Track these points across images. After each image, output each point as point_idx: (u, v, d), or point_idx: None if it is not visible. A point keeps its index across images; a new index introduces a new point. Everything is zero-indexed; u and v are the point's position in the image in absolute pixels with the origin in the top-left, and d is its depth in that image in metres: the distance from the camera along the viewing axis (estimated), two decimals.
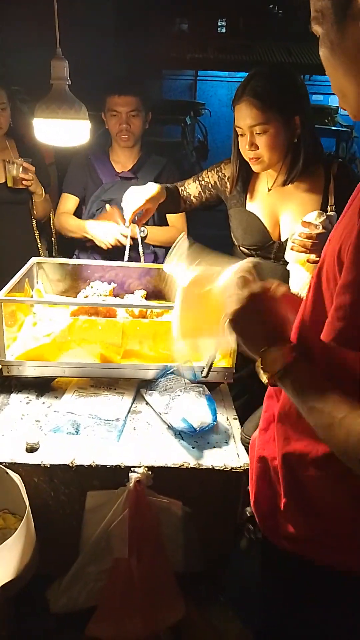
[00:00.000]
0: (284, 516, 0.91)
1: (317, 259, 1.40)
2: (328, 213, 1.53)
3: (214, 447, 1.36)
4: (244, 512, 1.28)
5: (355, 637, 0.93)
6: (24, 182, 2.13)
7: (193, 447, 1.35)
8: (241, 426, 1.46)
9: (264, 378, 0.85)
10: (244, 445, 1.37)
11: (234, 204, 1.81)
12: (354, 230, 0.68)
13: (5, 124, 2.13)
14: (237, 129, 1.62)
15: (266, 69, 1.60)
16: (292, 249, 1.50)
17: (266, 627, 1.07)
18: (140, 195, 1.73)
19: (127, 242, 1.91)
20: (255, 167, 1.66)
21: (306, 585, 0.92)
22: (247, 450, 1.34)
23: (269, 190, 1.73)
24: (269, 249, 1.75)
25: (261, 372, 0.85)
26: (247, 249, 1.80)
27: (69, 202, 2.31)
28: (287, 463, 0.89)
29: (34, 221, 2.31)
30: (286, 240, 1.66)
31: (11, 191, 2.16)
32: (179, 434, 1.39)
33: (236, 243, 1.86)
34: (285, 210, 1.72)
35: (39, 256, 2.21)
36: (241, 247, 1.83)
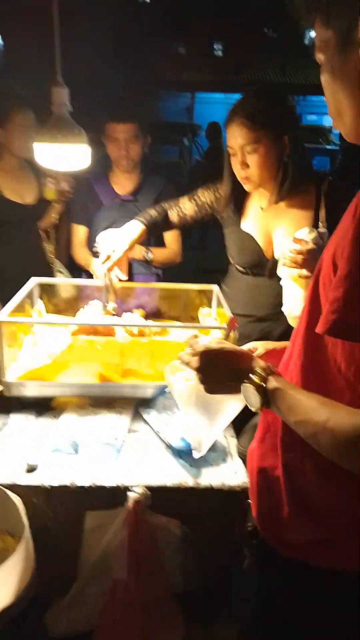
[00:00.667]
0: (288, 524, 0.93)
1: (309, 274, 1.47)
2: (319, 229, 1.57)
3: (212, 465, 1.36)
4: (244, 528, 1.28)
5: (353, 632, 0.95)
6: (66, 194, 2.22)
7: (191, 466, 1.35)
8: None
9: (253, 408, 0.92)
10: (240, 457, 1.38)
11: (229, 224, 1.86)
12: (349, 231, 0.73)
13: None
14: (229, 149, 1.68)
15: (256, 90, 1.65)
16: (283, 265, 1.53)
17: (268, 634, 1.08)
18: (121, 241, 1.76)
19: (104, 292, 1.83)
20: (246, 187, 1.71)
21: (310, 590, 0.94)
22: (244, 462, 1.35)
23: (262, 209, 1.77)
24: (263, 267, 1.79)
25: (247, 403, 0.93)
26: (242, 267, 1.83)
27: (80, 232, 2.35)
28: (288, 471, 0.91)
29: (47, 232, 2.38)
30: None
31: (33, 208, 2.24)
32: (178, 453, 1.39)
33: (232, 262, 1.89)
34: (278, 228, 1.76)
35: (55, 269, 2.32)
36: (236, 266, 1.86)
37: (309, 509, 0.90)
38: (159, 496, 1.27)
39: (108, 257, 1.75)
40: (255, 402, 0.90)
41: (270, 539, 0.97)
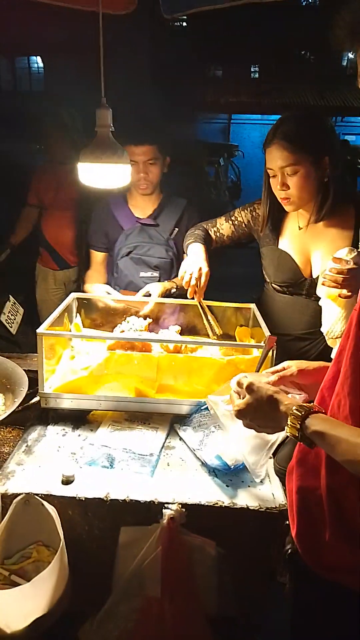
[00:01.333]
0: (329, 547, 0.91)
1: (349, 294, 1.46)
2: (359, 249, 1.55)
3: (249, 486, 1.34)
4: (282, 551, 1.25)
5: None
6: None
7: (227, 486, 1.33)
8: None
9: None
10: (278, 476, 1.35)
11: (266, 243, 1.86)
12: None
13: None
14: (268, 170, 1.69)
15: (295, 113, 1.68)
16: (323, 284, 1.51)
17: None
18: (199, 265, 1.76)
19: (205, 320, 1.85)
20: (287, 207, 1.72)
21: (349, 614, 0.92)
22: (282, 481, 1.32)
23: (300, 229, 1.77)
24: (300, 286, 1.78)
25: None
26: (279, 286, 1.83)
27: (96, 258, 2.34)
28: (332, 493, 0.90)
29: None
30: (317, 277, 1.68)
31: None
32: (213, 472, 1.38)
33: (268, 280, 1.89)
34: (317, 248, 1.76)
35: None
36: (273, 284, 1.85)
37: (353, 532, 0.88)
38: (194, 515, 1.25)
39: (194, 287, 1.75)
40: (298, 439, 0.92)
41: (309, 561, 0.96)
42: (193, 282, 1.73)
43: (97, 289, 2.13)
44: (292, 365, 1.18)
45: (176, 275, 2.19)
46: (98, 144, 1.60)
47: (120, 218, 2.26)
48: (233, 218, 1.93)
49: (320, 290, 1.58)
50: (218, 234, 1.95)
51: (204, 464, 1.39)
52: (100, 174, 1.61)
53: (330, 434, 0.85)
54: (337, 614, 0.93)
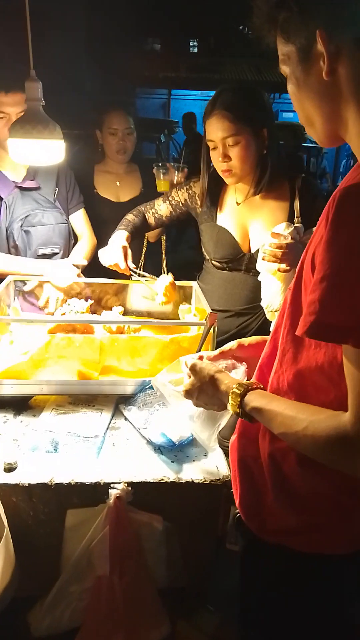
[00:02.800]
0: (271, 511, 0.96)
1: (288, 268, 1.52)
2: (295, 224, 1.59)
3: (194, 461, 1.37)
4: (229, 520, 1.29)
5: (336, 614, 0.99)
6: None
7: (172, 461, 1.35)
8: None
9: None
10: (222, 448, 1.39)
11: (205, 219, 1.86)
12: (323, 235, 0.74)
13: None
14: (208, 142, 1.68)
15: (233, 85, 1.67)
16: (263, 259, 1.54)
17: (250, 619, 1.10)
18: (115, 251, 1.75)
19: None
20: (228, 180, 1.72)
21: (291, 573, 0.97)
22: (225, 453, 1.35)
23: (238, 204, 1.79)
24: (239, 261, 1.80)
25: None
26: (219, 262, 1.84)
27: None
28: (272, 460, 0.94)
29: None
30: (256, 251, 1.71)
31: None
32: (158, 449, 1.39)
33: (207, 257, 1.90)
34: (254, 223, 1.79)
35: None
36: (213, 261, 1.87)
37: (293, 496, 0.92)
38: (140, 492, 1.27)
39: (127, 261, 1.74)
40: (238, 415, 0.97)
41: (253, 527, 0.99)
42: (122, 266, 1.73)
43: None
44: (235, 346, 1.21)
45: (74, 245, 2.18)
46: (28, 118, 1.53)
47: None
48: (170, 198, 1.93)
49: (260, 265, 1.61)
50: (156, 214, 1.94)
51: (149, 442, 1.41)
52: (31, 150, 1.55)
53: (266, 409, 0.89)
54: (283, 574, 0.98)
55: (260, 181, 1.70)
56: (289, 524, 0.94)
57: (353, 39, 0.78)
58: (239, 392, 0.95)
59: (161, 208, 1.94)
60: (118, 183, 2.45)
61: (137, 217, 1.93)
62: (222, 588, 1.52)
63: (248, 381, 0.99)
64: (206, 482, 1.29)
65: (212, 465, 1.35)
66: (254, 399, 0.93)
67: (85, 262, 2.05)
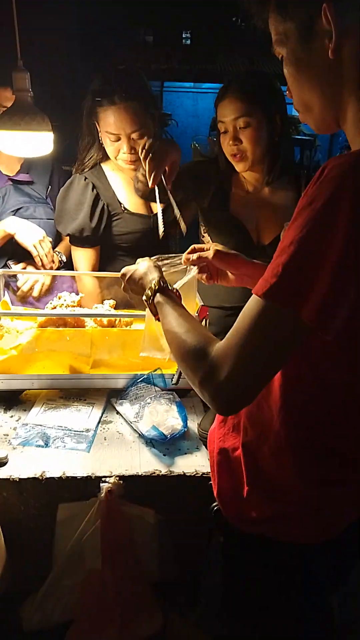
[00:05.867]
0: (247, 502, 0.97)
1: None
2: None
3: (185, 454, 1.36)
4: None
5: (313, 601, 1.02)
6: None
7: (164, 455, 1.35)
8: None
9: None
10: (201, 440, 1.39)
11: (214, 207, 1.80)
12: (299, 206, 0.74)
13: None
14: (219, 125, 1.65)
15: (247, 72, 1.66)
16: None
17: (233, 608, 1.11)
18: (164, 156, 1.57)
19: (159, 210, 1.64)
20: (238, 166, 1.68)
21: (268, 562, 0.99)
22: (204, 444, 1.35)
23: (249, 193, 1.75)
24: (249, 253, 1.76)
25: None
26: None
27: None
28: (246, 451, 0.95)
29: None
30: (268, 244, 1.69)
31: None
32: (150, 442, 1.39)
33: None
34: (263, 215, 1.75)
35: None
36: None
37: (266, 486, 0.94)
38: (132, 486, 1.26)
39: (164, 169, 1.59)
40: (147, 312, 1.14)
41: (231, 517, 1.00)
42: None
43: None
44: (210, 247, 1.25)
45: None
46: (16, 109, 1.51)
47: None
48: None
49: None
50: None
51: (141, 436, 1.40)
52: (19, 142, 1.52)
53: (168, 307, 1.04)
54: (262, 564, 0.99)
55: (271, 169, 1.66)
56: (264, 514, 0.95)
57: None
58: (154, 288, 1.10)
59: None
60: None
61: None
62: (215, 581, 1.52)
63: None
64: (197, 475, 1.29)
65: (203, 458, 1.35)
66: (163, 296, 1.08)
67: (64, 259, 2.04)
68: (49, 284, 1.98)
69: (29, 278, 1.93)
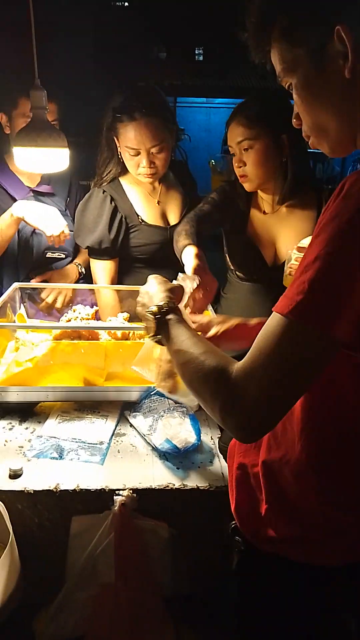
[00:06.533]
0: (265, 520, 0.94)
1: None
2: None
3: (199, 467, 1.36)
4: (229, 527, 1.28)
5: (330, 623, 0.99)
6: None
7: (178, 468, 1.35)
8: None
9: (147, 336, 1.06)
10: (221, 453, 1.38)
11: (232, 228, 1.84)
12: (325, 215, 0.72)
13: None
14: (230, 149, 1.70)
15: (260, 92, 1.69)
16: (289, 275, 1.53)
17: (247, 627, 1.09)
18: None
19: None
20: (245, 186, 1.72)
21: (285, 582, 0.97)
22: (225, 458, 1.35)
23: (265, 214, 1.78)
24: (265, 274, 1.78)
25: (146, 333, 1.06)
26: (243, 274, 1.83)
27: None
28: (267, 470, 0.93)
29: None
30: (282, 264, 1.70)
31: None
32: (164, 455, 1.39)
33: (232, 267, 1.88)
34: (281, 236, 1.77)
35: None
36: (237, 272, 1.85)
37: (286, 507, 0.91)
38: (146, 499, 1.26)
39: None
40: (150, 328, 1.03)
41: (248, 534, 0.99)
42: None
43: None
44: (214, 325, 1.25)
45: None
46: (33, 126, 1.55)
47: (9, 187, 2.00)
48: (209, 199, 1.83)
49: (287, 281, 1.60)
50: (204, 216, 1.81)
51: (154, 449, 1.40)
52: (35, 158, 1.56)
53: (178, 324, 0.97)
54: (278, 583, 0.97)
55: (280, 190, 1.69)
56: (283, 534, 0.92)
57: None
58: (165, 306, 1.02)
59: (204, 209, 1.80)
60: (157, 202, 2.03)
61: (195, 222, 1.73)
62: (229, 596, 1.50)
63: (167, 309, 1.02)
64: (212, 489, 1.28)
65: (217, 471, 1.34)
66: (175, 315, 1.00)
67: (84, 271, 2.07)
68: (71, 295, 2.00)
69: (53, 289, 1.95)
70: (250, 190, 1.74)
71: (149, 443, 1.42)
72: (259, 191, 1.78)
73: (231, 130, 1.66)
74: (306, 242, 1.52)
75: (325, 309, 0.69)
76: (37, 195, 2.05)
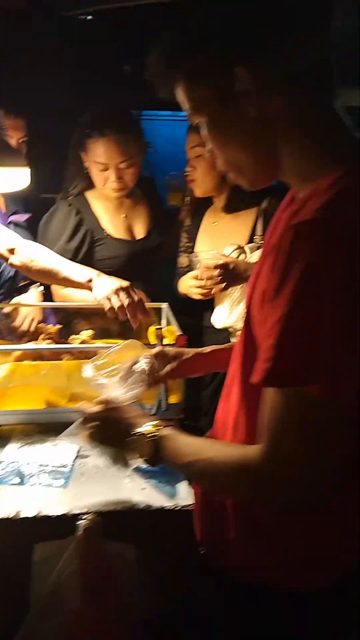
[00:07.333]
0: (233, 547, 0.91)
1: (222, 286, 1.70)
2: (255, 243, 1.76)
3: (165, 486, 1.34)
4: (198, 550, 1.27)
5: None
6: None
7: (143, 489, 1.33)
8: None
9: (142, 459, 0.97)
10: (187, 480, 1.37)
11: (183, 250, 2.00)
12: (277, 270, 0.68)
13: None
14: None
15: None
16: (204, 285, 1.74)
17: None
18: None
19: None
20: (195, 191, 1.88)
21: (262, 612, 0.92)
22: (190, 484, 1.34)
23: (214, 224, 1.91)
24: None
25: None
26: None
27: None
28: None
29: None
30: None
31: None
32: (128, 476, 1.37)
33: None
34: (225, 244, 1.82)
35: None
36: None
37: (261, 531, 0.88)
38: (111, 521, 1.24)
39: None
40: (146, 451, 0.93)
41: (218, 562, 0.96)
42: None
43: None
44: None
45: None
46: None
47: None
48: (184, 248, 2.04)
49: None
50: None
51: (118, 470, 1.38)
52: None
53: (179, 437, 0.90)
54: (254, 613, 0.92)
55: (223, 194, 1.83)
56: (253, 560, 0.89)
57: (281, 73, 0.72)
58: (155, 424, 0.93)
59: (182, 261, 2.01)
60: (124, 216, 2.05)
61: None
62: (204, 615, 1.49)
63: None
64: (177, 509, 1.27)
65: (184, 491, 1.33)
66: (170, 430, 0.92)
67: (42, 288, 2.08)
68: (40, 318, 1.95)
69: (26, 316, 1.90)
70: (198, 195, 1.87)
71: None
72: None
73: (188, 137, 1.83)
74: (227, 250, 1.72)
75: (299, 368, 0.67)
76: (14, 224, 2.03)
